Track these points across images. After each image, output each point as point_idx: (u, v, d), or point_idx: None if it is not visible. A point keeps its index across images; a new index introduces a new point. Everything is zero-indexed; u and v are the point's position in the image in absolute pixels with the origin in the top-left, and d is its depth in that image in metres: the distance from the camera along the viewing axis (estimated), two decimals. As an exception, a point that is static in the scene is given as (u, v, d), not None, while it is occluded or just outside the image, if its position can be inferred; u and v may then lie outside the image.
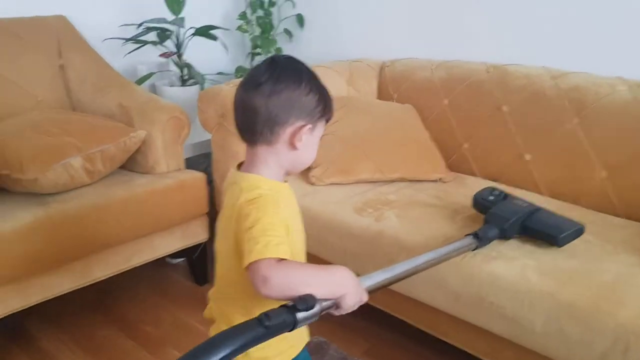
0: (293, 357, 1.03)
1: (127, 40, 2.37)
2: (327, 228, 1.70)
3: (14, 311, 1.64)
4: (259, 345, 0.80)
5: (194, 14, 2.53)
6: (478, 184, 1.92)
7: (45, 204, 1.70)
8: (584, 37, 1.95)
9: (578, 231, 1.47)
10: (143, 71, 2.54)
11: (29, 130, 1.79)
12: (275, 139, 0.95)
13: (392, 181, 1.94)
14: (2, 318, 1.61)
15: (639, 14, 1.84)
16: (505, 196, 1.58)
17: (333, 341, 1.83)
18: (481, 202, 1.59)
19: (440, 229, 1.57)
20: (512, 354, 1.41)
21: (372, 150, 1.94)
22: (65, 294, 1.74)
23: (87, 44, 2.31)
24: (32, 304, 1.67)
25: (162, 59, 2.54)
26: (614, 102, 1.79)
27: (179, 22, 2.37)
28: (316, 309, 0.83)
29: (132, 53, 2.41)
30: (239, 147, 1.99)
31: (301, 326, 0.83)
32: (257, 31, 2.80)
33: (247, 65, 2.89)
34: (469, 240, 1.37)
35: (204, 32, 2.47)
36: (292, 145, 0.96)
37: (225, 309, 1.01)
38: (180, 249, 2.05)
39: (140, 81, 2.40)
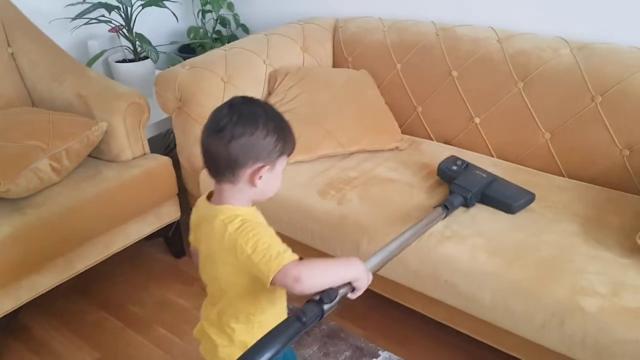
0: None
1: (74, 18, 2.32)
2: (295, 212, 1.80)
3: (7, 312, 1.74)
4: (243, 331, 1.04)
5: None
6: (432, 149, 2.05)
7: (20, 211, 1.75)
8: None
9: (530, 199, 1.67)
10: (94, 47, 2.50)
11: (-7, 138, 1.81)
12: (236, 179, 1.04)
13: (352, 154, 2.03)
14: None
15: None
16: (467, 166, 1.76)
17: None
18: (446, 172, 1.77)
19: (399, 209, 1.69)
20: (465, 321, 1.59)
21: (332, 125, 2.02)
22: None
23: (36, 28, 2.25)
24: (22, 303, 1.77)
25: (113, 33, 2.50)
26: (557, 67, 1.88)
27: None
28: (337, 298, 0.98)
29: (81, 28, 2.37)
30: (199, 132, 2.05)
31: (330, 312, 0.98)
32: (206, -13, 2.74)
33: (198, 24, 2.85)
34: (439, 211, 1.56)
35: (154, 2, 2.42)
36: (253, 184, 1.05)
37: (229, 320, 1.12)
38: (155, 230, 2.13)
39: (92, 60, 2.37)
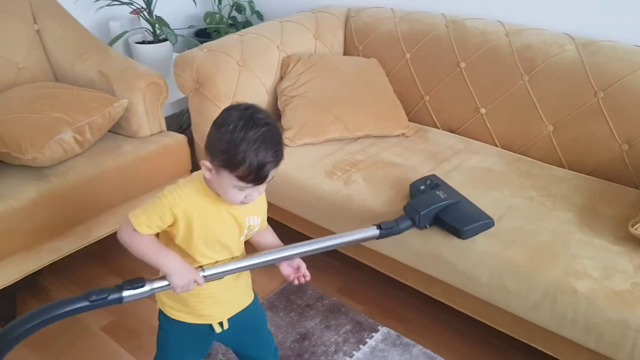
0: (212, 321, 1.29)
1: (98, -1, 2.41)
2: (302, 191, 1.89)
3: (28, 273, 1.84)
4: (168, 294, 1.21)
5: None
6: (438, 137, 2.13)
7: (45, 179, 1.85)
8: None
9: (485, 225, 1.58)
10: (115, 28, 2.59)
11: (21, 109, 1.90)
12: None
13: (359, 138, 2.11)
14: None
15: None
16: (435, 186, 1.66)
17: (310, 281, 2.07)
18: (413, 192, 1.71)
19: (403, 192, 1.77)
20: (461, 299, 1.68)
21: (340, 110, 2.10)
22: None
23: (62, 7, 2.34)
24: (43, 265, 1.88)
25: (133, 15, 2.58)
26: (562, 62, 1.95)
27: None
28: (146, 288, 1.12)
29: (103, 9, 2.46)
30: (216, 113, 2.13)
31: (130, 300, 1.11)
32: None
33: (214, 9, 2.93)
34: (373, 231, 1.47)
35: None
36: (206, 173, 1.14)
37: None
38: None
39: (114, 40, 2.46)
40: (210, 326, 1.30)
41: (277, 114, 2.24)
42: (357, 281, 2.10)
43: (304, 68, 2.20)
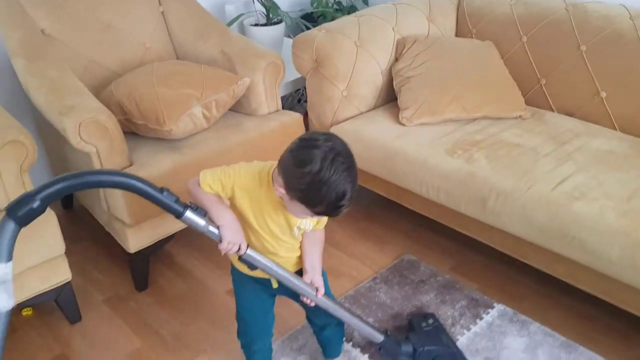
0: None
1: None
2: (421, 168, 1.93)
3: (160, 238, 1.98)
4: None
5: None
6: (556, 120, 2.12)
7: (178, 150, 1.98)
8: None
9: None
10: (230, 10, 2.71)
11: (156, 84, 2.03)
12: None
13: (475, 119, 2.13)
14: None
15: None
16: (437, 328, 1.73)
17: (422, 259, 2.14)
18: (412, 325, 1.75)
19: (527, 171, 1.78)
20: (586, 276, 1.68)
21: (457, 91, 2.12)
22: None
23: (183, -11, 2.48)
24: (175, 231, 2.01)
25: (248, -1, 2.69)
26: (691, 44, 1.90)
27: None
28: (203, 222, 1.21)
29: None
30: (334, 93, 2.22)
31: (186, 221, 1.21)
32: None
33: (322, -5, 3.00)
34: (377, 334, 1.57)
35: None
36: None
37: None
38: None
39: (231, 22, 2.57)
40: (269, 280, 1.40)
41: (392, 94, 2.29)
42: (470, 261, 2.13)
43: (420, 49, 2.24)
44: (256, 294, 1.46)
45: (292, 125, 2.23)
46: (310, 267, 1.40)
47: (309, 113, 2.35)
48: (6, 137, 1.61)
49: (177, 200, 1.20)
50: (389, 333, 1.62)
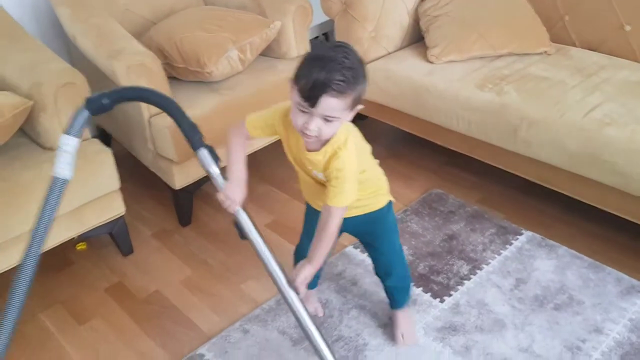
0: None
1: None
2: (453, 102, 2.01)
3: (203, 176, 2.07)
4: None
5: None
6: (580, 55, 2.18)
7: (217, 92, 2.06)
8: None
9: None
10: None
11: (193, 28, 2.09)
12: None
13: (501, 56, 2.19)
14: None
15: None
16: None
17: (451, 192, 2.23)
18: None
19: (560, 102, 1.85)
20: (615, 199, 1.76)
21: (483, 28, 2.18)
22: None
23: (211, -64, 2.51)
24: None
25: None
26: None
27: None
28: (212, 168, 1.25)
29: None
30: (363, 34, 2.28)
31: (198, 157, 1.25)
32: None
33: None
34: None
35: None
36: None
37: None
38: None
39: (257, -32, 2.60)
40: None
41: (417, 35, 2.35)
42: (496, 193, 2.22)
43: (446, -11, 2.28)
44: (315, 218, 1.40)
45: (322, 67, 2.30)
46: (308, 255, 1.34)
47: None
48: (63, 79, 1.70)
49: (199, 136, 1.25)
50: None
